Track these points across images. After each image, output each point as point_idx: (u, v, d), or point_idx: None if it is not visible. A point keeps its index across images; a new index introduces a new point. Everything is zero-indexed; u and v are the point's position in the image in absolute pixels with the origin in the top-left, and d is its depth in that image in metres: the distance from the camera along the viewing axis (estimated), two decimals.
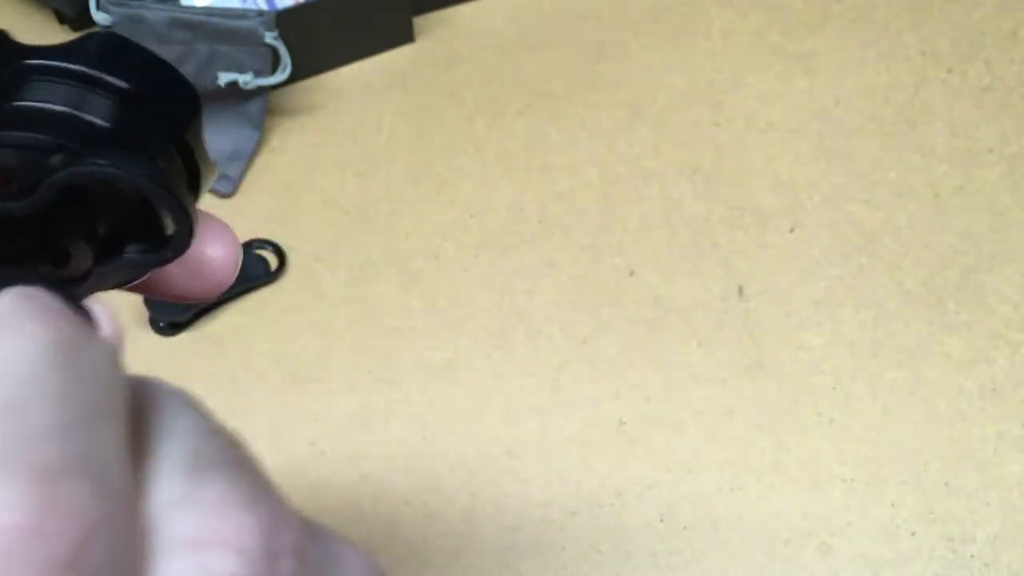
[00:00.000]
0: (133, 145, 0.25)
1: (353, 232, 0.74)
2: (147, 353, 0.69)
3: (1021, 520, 0.62)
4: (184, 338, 0.70)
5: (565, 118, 0.79)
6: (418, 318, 0.71)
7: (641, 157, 0.77)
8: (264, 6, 0.77)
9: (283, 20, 0.73)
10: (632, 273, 0.72)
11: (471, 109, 0.80)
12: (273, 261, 0.73)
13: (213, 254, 0.28)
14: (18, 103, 0.24)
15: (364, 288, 0.72)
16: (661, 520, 0.63)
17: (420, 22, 0.84)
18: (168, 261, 0.25)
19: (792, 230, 0.73)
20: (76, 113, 0.25)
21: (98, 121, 0.25)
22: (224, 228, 0.28)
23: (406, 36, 0.83)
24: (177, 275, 0.27)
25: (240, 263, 0.28)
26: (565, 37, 0.83)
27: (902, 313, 0.70)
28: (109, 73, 0.25)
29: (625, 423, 0.66)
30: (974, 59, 0.81)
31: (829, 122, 0.78)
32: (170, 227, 0.24)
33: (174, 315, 0.69)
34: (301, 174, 0.77)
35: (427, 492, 0.65)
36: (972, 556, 0.61)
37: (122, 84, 0.25)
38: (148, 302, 0.68)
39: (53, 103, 0.25)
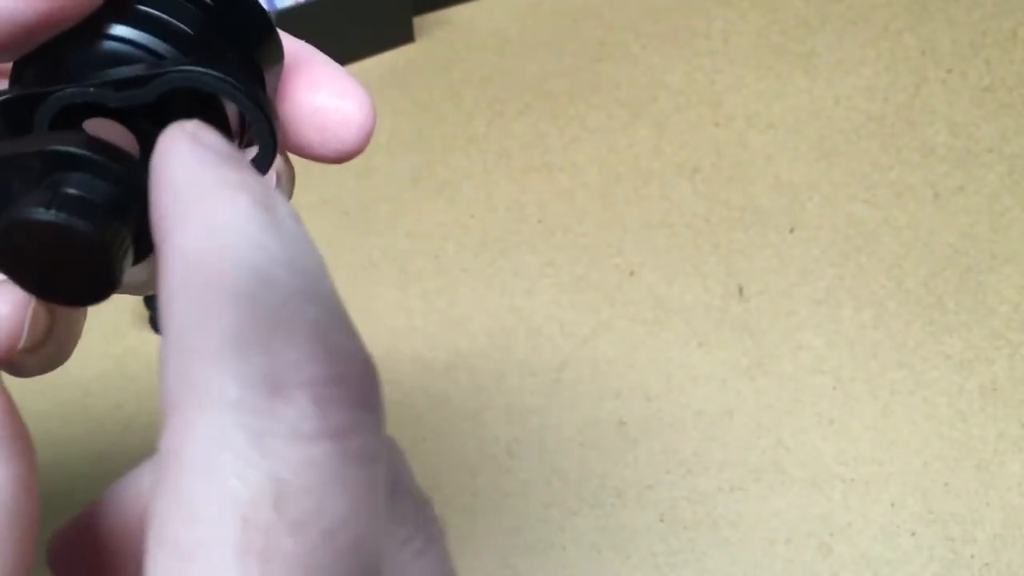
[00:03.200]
0: (220, 60, 0.25)
1: (353, 232, 0.74)
2: (148, 353, 0.69)
3: (1021, 520, 0.62)
4: None
5: (565, 118, 0.79)
6: (418, 318, 0.71)
7: (641, 157, 0.77)
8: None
9: (283, 20, 0.73)
10: (632, 273, 0.72)
11: (471, 109, 0.80)
12: None
13: (331, 103, 0.27)
14: (139, 6, 0.25)
15: (364, 288, 0.72)
16: (661, 520, 0.63)
17: (420, 22, 0.84)
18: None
19: (792, 230, 0.73)
20: (175, 23, 0.26)
21: (187, 30, 0.26)
22: (349, 81, 0.27)
23: (406, 36, 0.83)
24: (299, 128, 0.27)
25: (371, 123, 0.26)
26: (565, 37, 0.83)
27: (902, 313, 0.70)
28: None
29: (625, 423, 0.66)
30: (974, 59, 0.81)
31: (829, 122, 0.78)
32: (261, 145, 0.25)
33: None
34: (301, 174, 0.77)
35: (427, 492, 0.65)
36: (972, 556, 0.61)
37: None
38: (148, 302, 0.68)
39: (160, 11, 0.26)
